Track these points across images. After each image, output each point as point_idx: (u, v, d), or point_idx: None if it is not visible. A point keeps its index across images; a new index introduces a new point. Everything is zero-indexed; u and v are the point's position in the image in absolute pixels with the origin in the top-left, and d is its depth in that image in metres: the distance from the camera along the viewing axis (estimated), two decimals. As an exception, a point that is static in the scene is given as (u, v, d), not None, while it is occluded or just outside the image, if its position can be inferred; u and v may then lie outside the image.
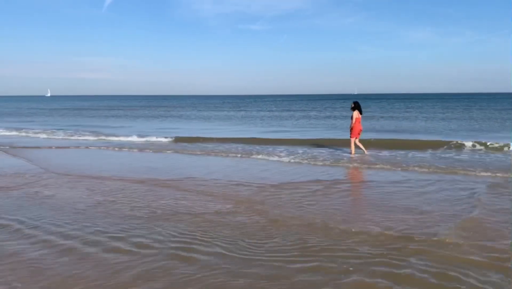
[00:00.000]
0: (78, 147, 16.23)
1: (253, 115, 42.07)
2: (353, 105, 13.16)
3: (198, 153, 14.11)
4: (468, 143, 14.59)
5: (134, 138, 18.87)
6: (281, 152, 13.82)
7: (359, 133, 13.05)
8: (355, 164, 11.50)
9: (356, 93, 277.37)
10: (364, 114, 13.90)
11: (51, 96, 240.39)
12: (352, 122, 13.01)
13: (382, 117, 34.53)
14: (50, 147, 16.19)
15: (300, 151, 14.00)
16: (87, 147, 16.09)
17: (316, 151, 14.04)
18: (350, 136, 13.12)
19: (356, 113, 12.99)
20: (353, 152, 13.00)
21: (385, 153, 13.32)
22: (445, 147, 14.52)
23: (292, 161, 12.13)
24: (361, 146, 13.08)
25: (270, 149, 14.54)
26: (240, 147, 15.37)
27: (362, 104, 13.60)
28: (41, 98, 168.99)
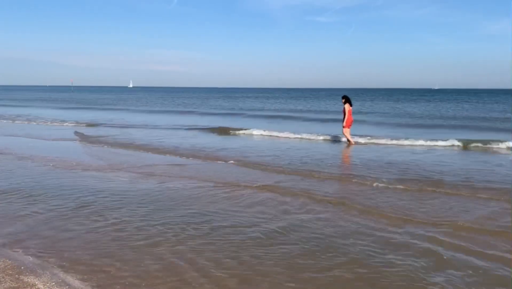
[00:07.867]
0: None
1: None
2: (344, 100, 14.54)
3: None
4: None
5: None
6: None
7: (351, 124, 14.42)
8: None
9: (436, 88, 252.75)
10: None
11: (133, 87, 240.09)
12: (345, 115, 14.22)
13: None
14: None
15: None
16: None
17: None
18: (344, 127, 14.28)
19: (347, 106, 14.44)
20: (351, 140, 14.30)
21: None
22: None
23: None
24: (349, 137, 14.31)
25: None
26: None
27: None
28: (125, 89, 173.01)
